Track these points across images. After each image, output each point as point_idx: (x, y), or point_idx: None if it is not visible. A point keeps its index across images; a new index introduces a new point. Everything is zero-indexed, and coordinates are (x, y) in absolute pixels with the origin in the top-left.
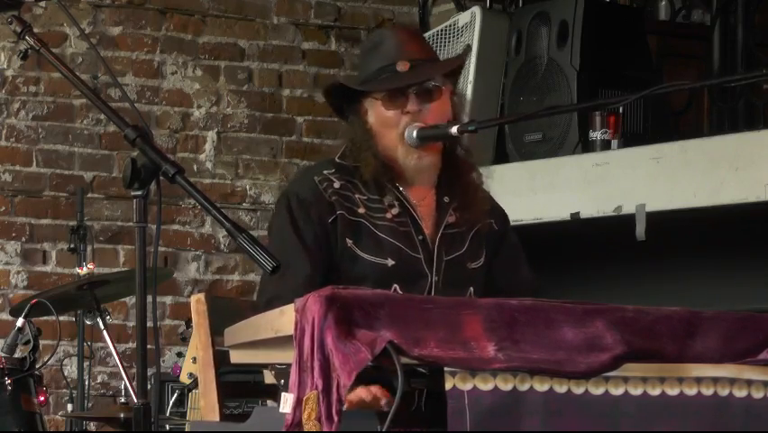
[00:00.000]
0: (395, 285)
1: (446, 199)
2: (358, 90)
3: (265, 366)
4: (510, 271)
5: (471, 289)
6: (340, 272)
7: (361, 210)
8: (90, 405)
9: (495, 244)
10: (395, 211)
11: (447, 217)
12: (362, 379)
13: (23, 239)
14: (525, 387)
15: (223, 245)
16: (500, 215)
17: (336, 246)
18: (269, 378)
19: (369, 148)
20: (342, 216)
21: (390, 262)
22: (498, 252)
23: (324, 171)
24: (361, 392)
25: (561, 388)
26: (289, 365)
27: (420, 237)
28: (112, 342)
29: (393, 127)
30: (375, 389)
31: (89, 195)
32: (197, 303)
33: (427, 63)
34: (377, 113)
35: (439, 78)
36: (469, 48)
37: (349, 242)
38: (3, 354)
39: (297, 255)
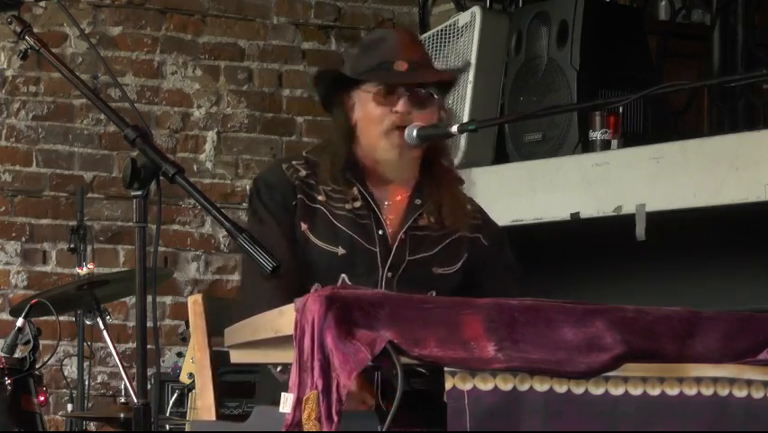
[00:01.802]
0: (343, 275)
1: (418, 201)
2: (351, 82)
3: (265, 366)
4: (499, 291)
5: (433, 292)
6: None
7: (321, 198)
8: (90, 405)
9: (483, 258)
10: (357, 204)
11: (418, 219)
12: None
13: (23, 239)
14: (525, 387)
15: (223, 245)
16: (493, 232)
17: (295, 230)
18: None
19: (338, 151)
20: (301, 201)
21: (341, 251)
22: (486, 268)
23: (293, 161)
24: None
25: (561, 388)
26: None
27: (380, 232)
28: (112, 342)
29: (377, 124)
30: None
31: (89, 195)
32: (194, 304)
33: (425, 68)
34: (365, 107)
35: (434, 88)
36: (468, 64)
37: (303, 226)
38: (3, 354)
39: (275, 238)
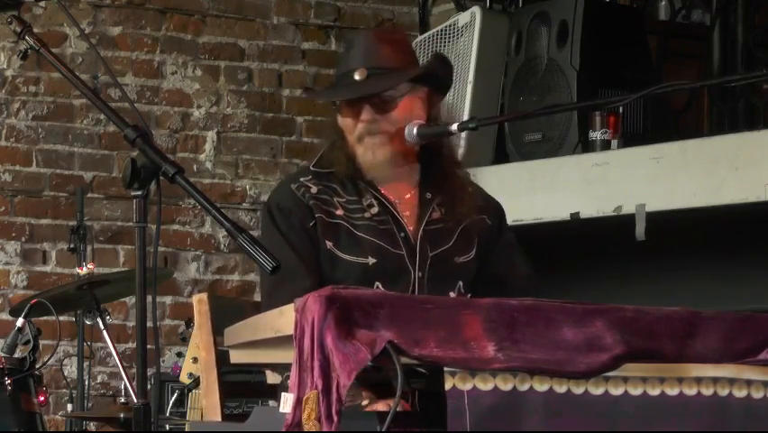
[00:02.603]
0: (377, 283)
1: (428, 195)
2: None
3: (265, 366)
4: (506, 266)
5: (461, 283)
6: (323, 275)
7: (339, 212)
8: (90, 405)
9: (489, 238)
10: (374, 210)
11: (431, 213)
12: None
13: (23, 239)
14: (524, 387)
15: (223, 245)
16: (494, 209)
17: (318, 250)
18: (270, 378)
19: (341, 147)
20: (320, 220)
21: (371, 261)
22: (493, 247)
23: (301, 179)
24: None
25: (560, 388)
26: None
27: (402, 234)
28: (112, 342)
29: (350, 134)
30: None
31: (89, 195)
32: (200, 303)
33: (387, 73)
34: (340, 118)
35: (403, 86)
36: (439, 56)
37: (329, 244)
38: (3, 354)
39: (293, 264)
